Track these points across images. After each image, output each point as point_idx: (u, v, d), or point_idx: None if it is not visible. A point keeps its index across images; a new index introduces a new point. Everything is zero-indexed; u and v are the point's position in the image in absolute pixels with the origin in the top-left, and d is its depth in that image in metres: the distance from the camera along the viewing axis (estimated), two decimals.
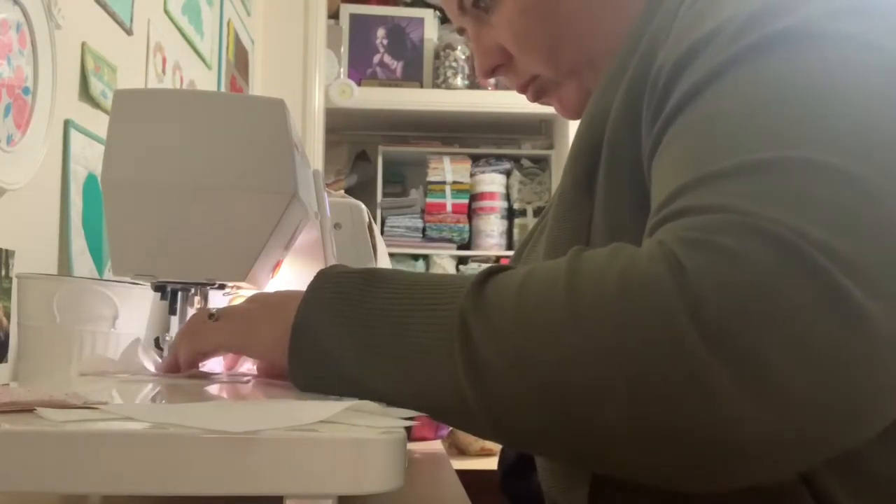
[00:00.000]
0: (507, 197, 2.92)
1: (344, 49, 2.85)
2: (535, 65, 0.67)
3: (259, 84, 2.39)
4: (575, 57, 0.66)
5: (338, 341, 0.49)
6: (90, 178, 1.12)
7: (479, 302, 0.44)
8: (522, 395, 0.42)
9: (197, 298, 0.72)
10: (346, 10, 2.91)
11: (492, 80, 2.87)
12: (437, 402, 0.46)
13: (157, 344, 0.72)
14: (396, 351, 0.47)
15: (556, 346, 0.41)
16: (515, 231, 2.90)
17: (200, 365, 0.64)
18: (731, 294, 0.38)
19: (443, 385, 0.45)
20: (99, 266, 1.13)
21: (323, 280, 0.52)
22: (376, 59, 2.93)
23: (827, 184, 0.39)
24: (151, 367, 0.67)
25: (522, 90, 0.71)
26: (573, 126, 2.52)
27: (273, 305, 0.57)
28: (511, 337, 0.42)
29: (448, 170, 2.87)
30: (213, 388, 0.61)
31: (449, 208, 2.86)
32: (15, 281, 0.90)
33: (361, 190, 2.91)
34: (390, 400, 0.47)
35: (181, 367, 0.62)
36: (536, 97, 0.71)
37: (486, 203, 2.87)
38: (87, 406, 0.41)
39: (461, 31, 0.72)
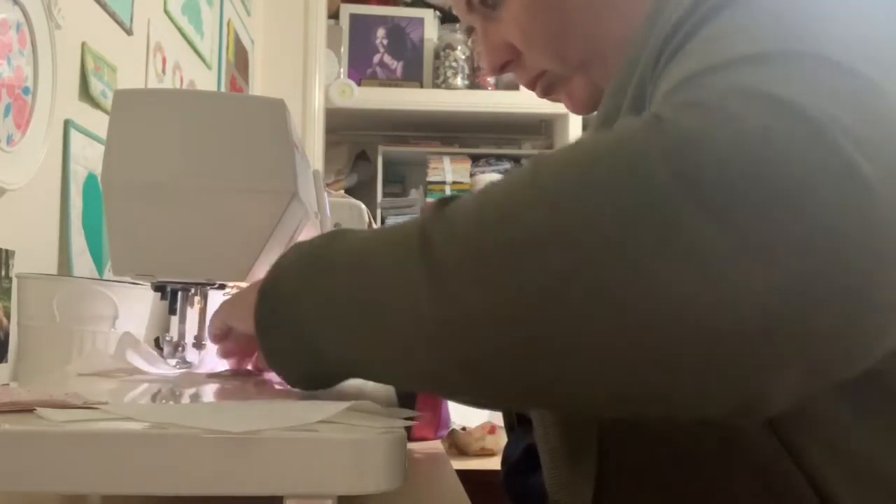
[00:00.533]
0: None
1: (344, 49, 2.85)
2: (543, 60, 0.67)
3: (259, 84, 2.39)
4: (582, 51, 0.66)
5: (299, 285, 0.48)
6: (90, 178, 1.12)
7: (440, 212, 0.41)
8: (483, 285, 0.38)
9: (197, 298, 0.72)
10: (346, 10, 2.91)
11: (491, 80, 2.88)
12: (388, 314, 0.42)
13: (157, 344, 0.72)
14: (353, 264, 0.45)
15: (517, 225, 0.37)
16: None
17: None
18: (719, 141, 0.35)
19: (396, 288, 0.41)
20: (99, 266, 1.13)
21: (294, 247, 0.51)
22: (376, 59, 2.93)
23: (834, 72, 0.38)
24: (141, 364, 0.67)
25: (531, 86, 0.71)
26: (574, 126, 2.54)
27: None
28: (472, 230, 0.39)
29: (448, 170, 2.87)
30: (213, 388, 0.61)
31: None
32: (15, 281, 0.90)
33: (361, 190, 2.91)
34: (346, 320, 0.44)
35: (213, 340, 0.65)
36: (545, 93, 0.71)
37: None
38: (87, 406, 0.41)
39: (469, 31, 0.73)
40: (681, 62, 0.45)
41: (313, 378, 0.51)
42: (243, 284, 0.71)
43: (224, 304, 0.62)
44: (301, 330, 0.47)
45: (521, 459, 0.72)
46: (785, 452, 0.47)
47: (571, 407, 0.39)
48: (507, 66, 0.70)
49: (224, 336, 0.63)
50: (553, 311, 0.36)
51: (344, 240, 0.48)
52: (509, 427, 0.80)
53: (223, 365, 0.70)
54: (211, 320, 0.64)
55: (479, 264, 0.38)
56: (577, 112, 0.71)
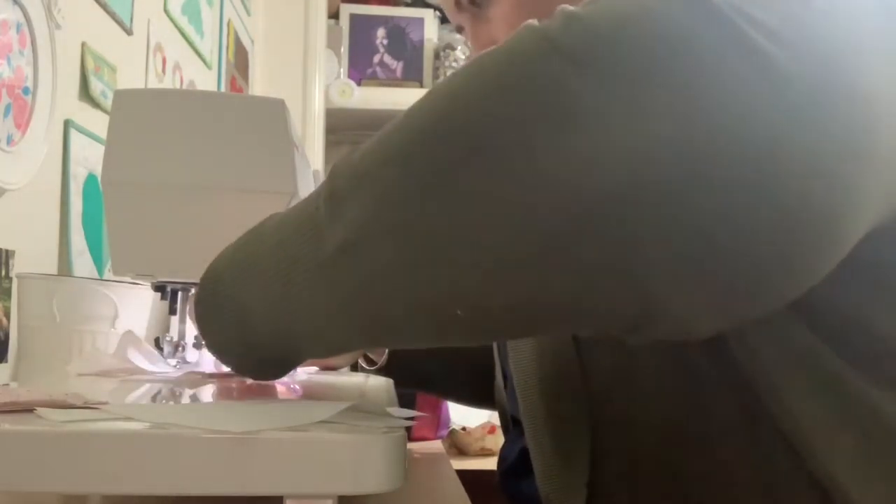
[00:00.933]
0: None
1: (344, 49, 2.85)
2: None
3: (259, 84, 2.39)
4: None
5: (227, 264, 0.47)
6: (90, 178, 1.12)
7: (349, 154, 0.42)
8: (366, 204, 0.37)
9: None
10: (346, 10, 2.91)
11: None
12: (297, 263, 0.41)
13: (157, 344, 0.72)
14: (274, 230, 0.45)
15: (402, 136, 0.37)
16: None
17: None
18: (608, 16, 0.34)
19: (302, 234, 0.41)
20: (99, 266, 1.13)
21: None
22: (376, 59, 2.93)
23: None
24: (143, 363, 0.67)
25: None
26: None
27: None
28: (366, 155, 0.39)
29: None
30: (212, 388, 0.61)
31: None
32: (15, 281, 0.90)
33: None
34: (266, 287, 0.43)
35: None
36: None
37: None
38: (87, 406, 0.41)
39: (459, 30, 0.72)
40: None
41: (258, 362, 0.49)
42: None
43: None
44: (231, 307, 0.46)
45: (515, 462, 0.72)
46: (791, 456, 0.45)
47: (468, 319, 0.38)
48: None
49: None
50: (432, 214, 0.35)
51: (273, 216, 0.47)
52: (505, 428, 0.79)
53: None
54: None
55: (363, 184, 0.37)
56: None
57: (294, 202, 0.67)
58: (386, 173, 0.37)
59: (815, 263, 0.37)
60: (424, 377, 0.91)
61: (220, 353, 0.49)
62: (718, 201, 0.32)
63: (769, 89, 0.32)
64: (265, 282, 0.43)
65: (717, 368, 0.46)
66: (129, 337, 0.70)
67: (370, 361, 0.88)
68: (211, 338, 0.49)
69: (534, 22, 0.36)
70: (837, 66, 0.34)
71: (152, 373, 0.67)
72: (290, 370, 0.51)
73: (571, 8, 0.36)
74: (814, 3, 0.36)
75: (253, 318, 0.45)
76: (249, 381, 0.64)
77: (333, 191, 0.40)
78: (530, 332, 0.47)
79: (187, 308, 0.70)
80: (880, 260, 0.41)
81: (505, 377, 0.75)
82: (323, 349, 0.46)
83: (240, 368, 0.50)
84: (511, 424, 0.77)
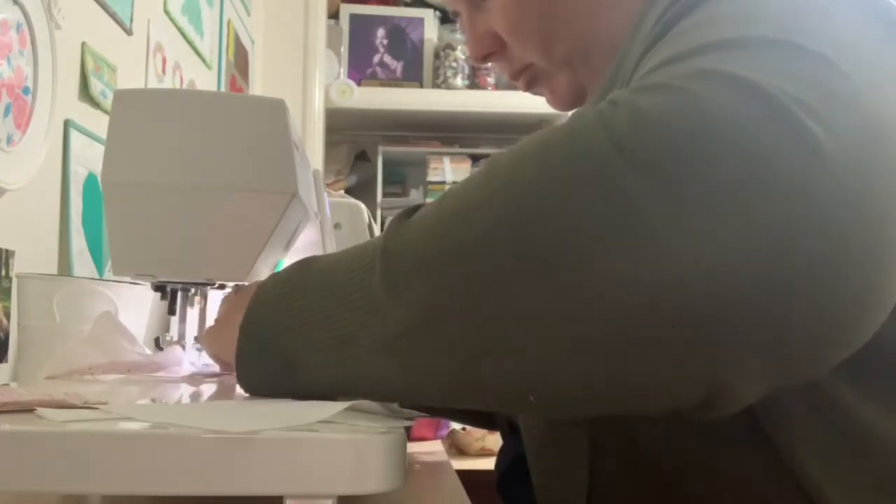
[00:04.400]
0: None
1: (344, 49, 2.85)
2: (529, 53, 0.66)
3: (259, 84, 2.39)
4: (569, 48, 0.65)
5: (275, 313, 0.47)
6: (90, 178, 1.12)
7: (400, 224, 0.41)
8: (435, 289, 0.37)
9: (197, 298, 0.72)
10: (346, 10, 2.91)
11: (491, 80, 2.88)
12: (355, 335, 0.42)
13: (157, 344, 0.72)
14: (322, 286, 0.45)
15: (468, 226, 0.37)
16: None
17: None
18: (667, 113, 0.34)
19: (359, 307, 0.41)
20: (99, 266, 1.13)
21: (269, 278, 0.51)
22: (376, 59, 2.93)
23: (799, 55, 0.37)
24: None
25: (515, 78, 0.70)
26: None
27: (235, 308, 0.55)
28: (426, 238, 0.39)
29: (448, 170, 2.87)
30: (212, 388, 0.61)
31: None
32: (15, 281, 0.90)
33: (361, 190, 2.91)
34: (320, 343, 0.44)
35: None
36: (528, 86, 0.70)
37: None
38: (87, 406, 0.41)
39: (455, 14, 0.71)
40: (655, 54, 0.44)
41: (296, 399, 0.49)
42: (244, 283, 0.71)
43: (207, 339, 0.61)
44: (283, 360, 0.47)
45: (511, 467, 0.71)
46: (779, 464, 0.46)
47: (540, 405, 0.39)
48: (491, 56, 0.69)
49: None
50: (501, 305, 0.35)
51: (313, 264, 0.48)
52: (503, 433, 0.79)
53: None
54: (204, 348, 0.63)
55: (429, 270, 0.38)
56: (558, 108, 0.71)
57: (294, 202, 0.67)
58: (448, 267, 0.37)
59: (870, 332, 0.38)
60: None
61: (258, 392, 0.50)
62: (793, 305, 0.33)
63: (828, 177, 0.33)
64: (321, 349, 0.44)
65: None
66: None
67: None
68: (250, 381, 0.50)
69: (595, 111, 0.36)
70: (878, 137, 0.35)
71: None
72: None
73: (634, 101, 0.36)
74: (845, 74, 0.36)
75: (305, 375, 0.46)
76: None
77: (391, 270, 0.40)
78: (594, 414, 0.47)
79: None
80: None
81: None
82: (381, 399, 0.47)
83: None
84: (508, 430, 0.76)
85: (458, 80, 2.88)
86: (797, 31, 0.39)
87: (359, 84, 2.77)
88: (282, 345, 0.47)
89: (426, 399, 0.43)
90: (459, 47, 2.88)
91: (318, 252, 0.81)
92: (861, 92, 0.36)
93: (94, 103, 1.15)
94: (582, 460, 0.51)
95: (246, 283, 0.70)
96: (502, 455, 0.76)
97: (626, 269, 0.33)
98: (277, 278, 0.49)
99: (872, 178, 0.34)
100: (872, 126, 0.35)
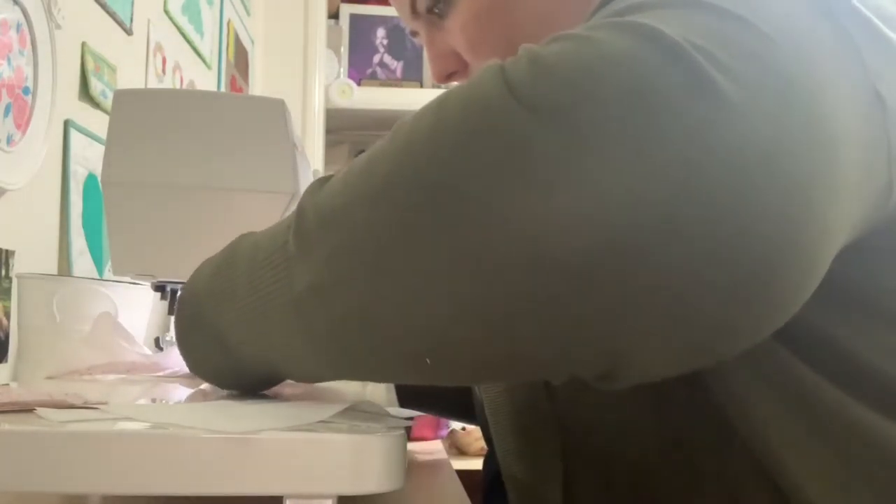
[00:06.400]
0: None
1: (344, 49, 2.85)
2: None
3: (259, 84, 2.39)
4: None
5: (206, 287, 0.48)
6: (90, 178, 1.12)
7: (316, 187, 0.41)
8: (338, 243, 0.37)
9: None
10: (346, 10, 2.91)
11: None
12: (271, 297, 0.42)
13: (157, 344, 0.72)
14: (249, 256, 0.45)
15: (370, 179, 0.36)
16: None
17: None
18: (566, 58, 0.33)
19: (277, 269, 0.41)
20: (99, 266, 1.13)
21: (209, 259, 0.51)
22: (376, 59, 2.93)
23: (719, 15, 0.35)
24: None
25: None
26: None
27: None
28: (332, 196, 0.39)
29: None
30: (212, 388, 0.61)
31: None
32: (15, 281, 0.90)
33: None
34: (243, 313, 0.44)
35: None
36: None
37: None
38: (87, 406, 0.41)
39: (414, 34, 0.70)
40: None
41: (236, 379, 0.50)
42: None
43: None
44: (212, 332, 0.47)
45: (493, 482, 0.70)
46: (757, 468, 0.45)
47: (436, 369, 0.37)
48: (453, 75, 0.69)
49: None
50: (398, 258, 0.35)
51: (247, 236, 0.48)
52: (488, 441, 0.79)
53: None
54: None
55: (335, 223, 0.38)
56: None
57: (294, 202, 0.67)
58: (351, 217, 0.37)
59: (794, 297, 0.36)
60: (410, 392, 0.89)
61: (200, 369, 0.51)
62: (689, 253, 0.31)
63: (730, 128, 0.31)
64: (242, 311, 0.44)
65: (689, 390, 0.45)
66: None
67: None
68: (191, 356, 0.50)
69: (496, 63, 0.36)
70: (795, 97, 0.34)
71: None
72: (268, 388, 0.52)
73: (535, 49, 0.35)
74: (766, 34, 0.35)
75: (231, 342, 0.46)
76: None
77: (301, 228, 0.40)
78: (494, 380, 0.47)
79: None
80: (849, 280, 0.41)
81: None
82: (298, 376, 0.47)
83: (220, 384, 0.52)
84: (488, 443, 0.76)
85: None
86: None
87: (359, 84, 2.78)
88: (210, 316, 0.47)
89: (331, 367, 0.42)
90: None
91: None
92: (784, 55, 0.34)
93: (94, 103, 1.15)
94: (556, 477, 0.51)
95: None
96: (485, 468, 0.75)
97: (516, 216, 0.31)
98: (215, 255, 0.50)
99: (784, 135, 0.32)
100: (795, 89, 0.33)
